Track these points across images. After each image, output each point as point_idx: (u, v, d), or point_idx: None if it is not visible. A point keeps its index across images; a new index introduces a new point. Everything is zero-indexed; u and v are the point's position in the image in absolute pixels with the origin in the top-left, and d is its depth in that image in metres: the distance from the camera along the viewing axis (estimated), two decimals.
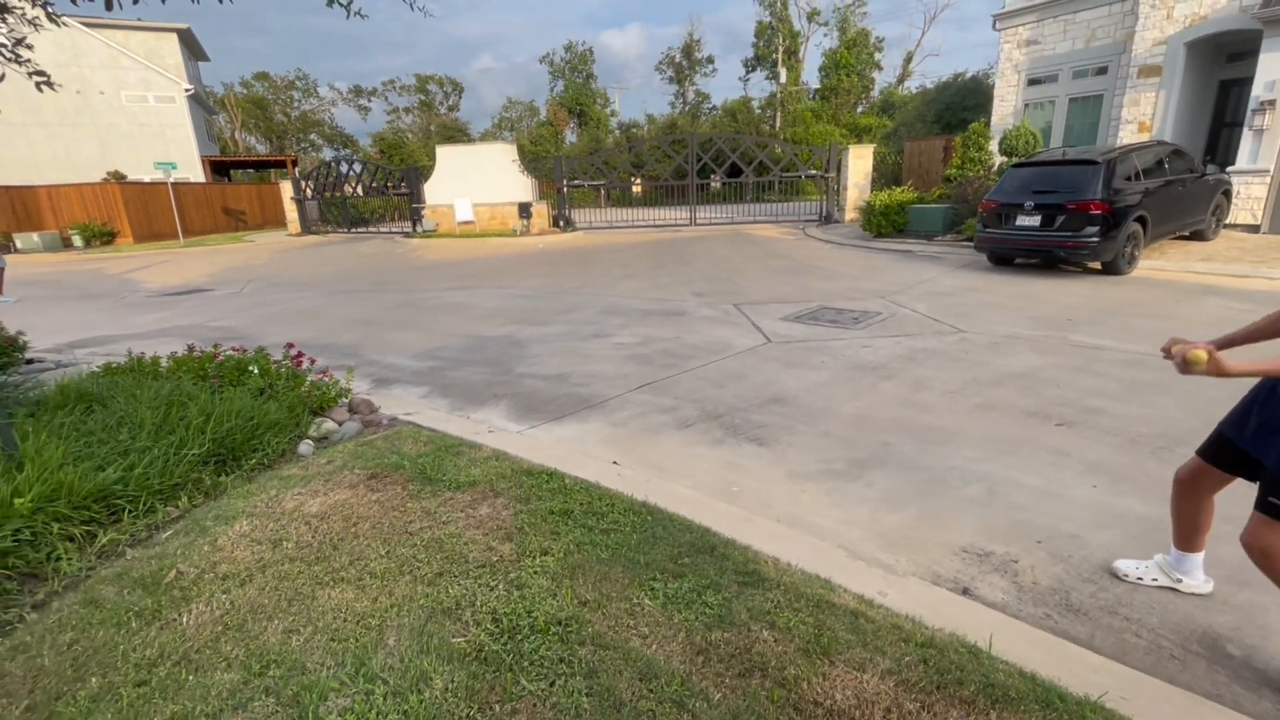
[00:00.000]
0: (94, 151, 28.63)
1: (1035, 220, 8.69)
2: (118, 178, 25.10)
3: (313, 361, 4.37)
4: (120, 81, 29.02)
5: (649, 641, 1.96)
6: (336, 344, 6.82)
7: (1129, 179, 8.44)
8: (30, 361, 5.83)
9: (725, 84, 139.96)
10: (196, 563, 2.44)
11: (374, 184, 22.11)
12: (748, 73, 57.48)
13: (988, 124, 14.73)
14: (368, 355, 6.30)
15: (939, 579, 2.46)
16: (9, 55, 3.55)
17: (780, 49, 49.01)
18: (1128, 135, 13.45)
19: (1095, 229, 8.11)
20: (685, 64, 61.08)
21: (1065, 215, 8.34)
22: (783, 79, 47.36)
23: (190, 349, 4.42)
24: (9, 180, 23.95)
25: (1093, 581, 2.42)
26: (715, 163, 19.00)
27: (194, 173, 30.46)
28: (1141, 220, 8.47)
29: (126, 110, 29.42)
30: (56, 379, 4.23)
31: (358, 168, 22.69)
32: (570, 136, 54.63)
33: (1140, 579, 2.38)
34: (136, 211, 23.45)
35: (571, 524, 2.68)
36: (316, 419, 3.87)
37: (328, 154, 56.57)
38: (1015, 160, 11.40)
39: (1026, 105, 16.16)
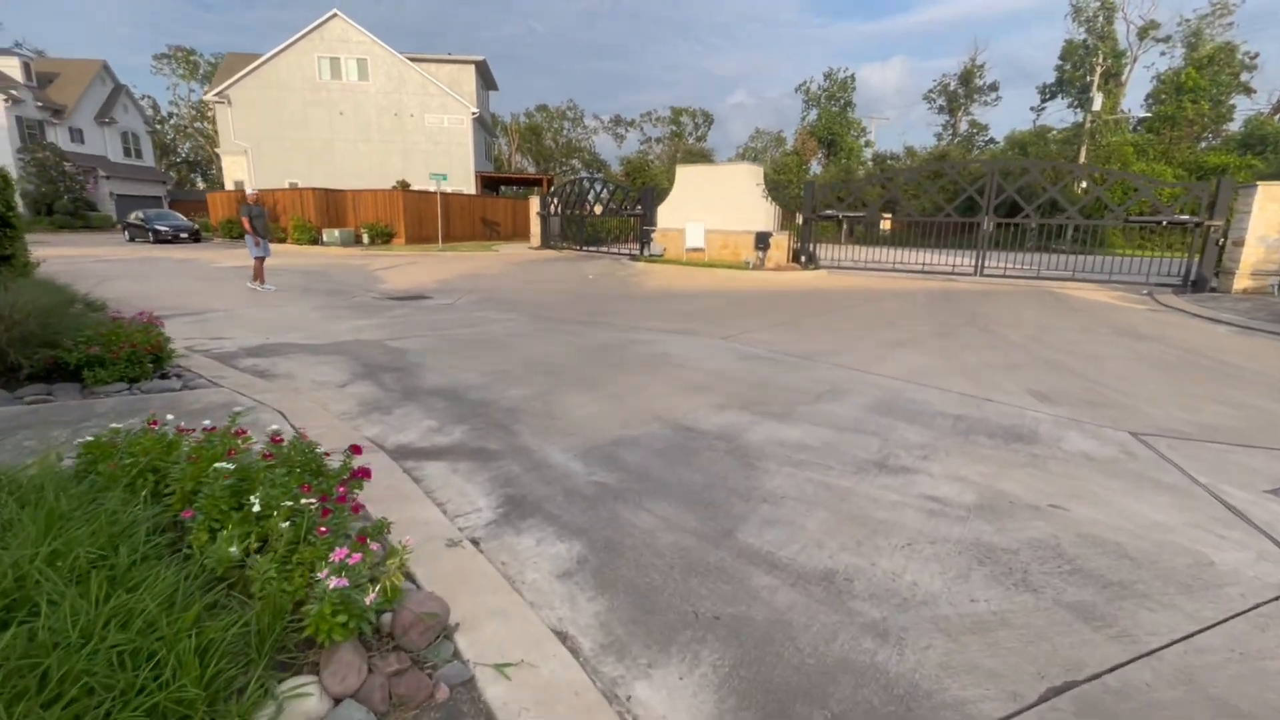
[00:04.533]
0: (397, 163, 33.37)
1: None
2: (403, 186, 28.46)
3: (354, 513, 2.28)
4: (425, 106, 33.51)
5: None
6: (497, 403, 4.95)
7: None
8: (165, 376, 4.86)
9: (1004, 115, 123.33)
10: None
11: (612, 204, 21.63)
12: (1043, 100, 48.83)
13: None
14: (524, 435, 4.26)
15: None
16: None
17: (1098, 70, 40.09)
18: None
19: None
20: (961, 92, 54.09)
21: None
22: (1096, 105, 38.58)
23: (217, 429, 2.65)
24: (343, 185, 28.38)
25: None
26: (1022, 197, 14.52)
27: (467, 185, 33.93)
28: None
29: (426, 129, 33.87)
30: (147, 411, 2.76)
31: (598, 186, 22.49)
32: (815, 167, 51.29)
33: None
34: (411, 216, 26.21)
35: None
36: (293, 681, 1.70)
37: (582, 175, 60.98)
38: None
39: None
